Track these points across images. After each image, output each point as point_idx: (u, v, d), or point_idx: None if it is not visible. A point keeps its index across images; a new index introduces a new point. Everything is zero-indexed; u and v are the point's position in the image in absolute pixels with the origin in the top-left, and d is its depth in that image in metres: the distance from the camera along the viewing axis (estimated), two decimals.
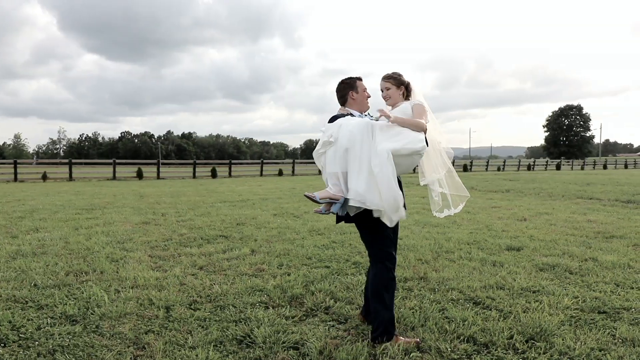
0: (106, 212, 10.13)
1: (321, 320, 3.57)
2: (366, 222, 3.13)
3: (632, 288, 4.30)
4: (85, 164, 40.36)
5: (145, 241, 6.63)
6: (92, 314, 3.64)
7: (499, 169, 44.75)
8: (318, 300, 3.97)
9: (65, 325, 3.43)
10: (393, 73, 3.42)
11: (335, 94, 3.51)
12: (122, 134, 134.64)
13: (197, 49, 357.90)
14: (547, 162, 54.11)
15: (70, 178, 25.34)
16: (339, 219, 3.30)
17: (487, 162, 48.74)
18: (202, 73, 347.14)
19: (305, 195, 3.15)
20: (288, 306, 3.85)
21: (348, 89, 3.44)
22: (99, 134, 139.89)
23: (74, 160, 27.66)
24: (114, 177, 26.54)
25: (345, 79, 3.48)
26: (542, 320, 3.43)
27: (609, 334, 3.25)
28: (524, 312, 3.67)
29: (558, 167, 48.19)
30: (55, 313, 3.68)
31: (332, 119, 3.29)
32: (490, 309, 3.75)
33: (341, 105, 3.49)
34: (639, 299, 3.95)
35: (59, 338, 3.22)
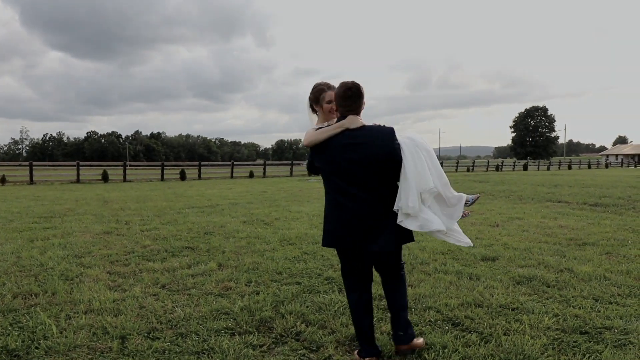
0: (66, 220, 9.62)
1: (291, 349, 3.31)
2: None
3: (611, 303, 4.19)
4: (49, 166, 38.88)
5: (105, 255, 6.24)
6: (37, 347, 3.28)
7: (468, 170, 45.37)
8: (288, 324, 3.71)
9: None
10: None
11: (356, 99, 2.95)
12: (89, 134, 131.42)
13: (167, 48, 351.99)
14: (514, 162, 55.24)
15: (31, 181, 24.33)
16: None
17: (457, 163, 49.40)
18: (172, 72, 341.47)
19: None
20: (256, 332, 3.58)
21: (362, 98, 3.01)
22: (63, 133, 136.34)
23: (35, 163, 26.55)
24: (78, 180, 25.63)
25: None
26: (524, 345, 3.26)
27: (593, 359, 3.10)
28: (505, 334, 3.50)
29: (525, 168, 49.21)
30: None
31: (392, 135, 2.94)
32: (470, 332, 3.56)
33: (356, 114, 2.97)
34: (619, 317, 3.83)
35: None
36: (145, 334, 3.54)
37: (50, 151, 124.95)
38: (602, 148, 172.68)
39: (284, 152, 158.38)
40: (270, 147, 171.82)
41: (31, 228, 8.54)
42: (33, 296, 4.45)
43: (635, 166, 67.89)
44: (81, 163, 27.76)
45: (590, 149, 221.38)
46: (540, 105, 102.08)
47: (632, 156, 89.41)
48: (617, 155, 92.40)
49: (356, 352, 3.18)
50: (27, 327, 3.66)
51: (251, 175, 31.91)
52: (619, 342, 3.36)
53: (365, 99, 3.02)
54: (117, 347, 3.31)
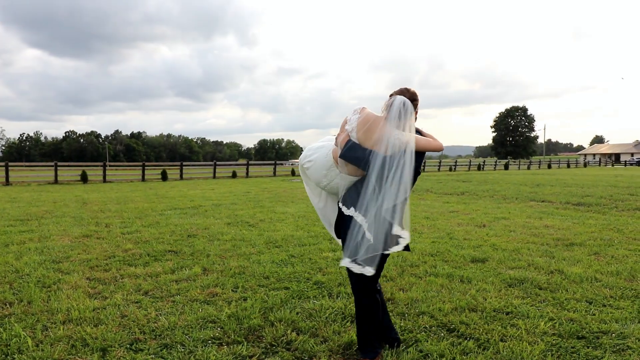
0: (43, 223, 9.30)
1: (282, 359, 3.17)
2: None
3: (605, 306, 4.14)
4: (25, 166, 37.91)
5: (85, 260, 6.00)
6: None
7: (450, 169, 45.65)
8: (278, 333, 3.57)
9: None
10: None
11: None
12: (67, 134, 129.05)
13: (147, 46, 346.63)
14: (495, 162, 55.80)
15: (7, 182, 23.65)
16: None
17: (439, 163, 49.68)
18: (153, 71, 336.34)
19: None
20: (245, 342, 3.42)
21: None
22: (41, 133, 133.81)
23: (11, 163, 25.84)
24: (56, 181, 25.02)
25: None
26: (523, 352, 3.17)
27: None
28: (502, 340, 3.41)
29: (506, 167, 49.72)
30: None
31: None
32: (467, 338, 3.46)
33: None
34: (615, 320, 3.78)
35: None
36: (128, 346, 3.35)
37: (27, 151, 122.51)
38: (580, 147, 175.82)
39: (266, 151, 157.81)
40: (253, 146, 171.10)
41: (6, 232, 8.22)
42: (7, 305, 4.22)
43: (613, 165, 69.23)
44: (59, 163, 27.03)
45: (568, 148, 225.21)
46: (520, 105, 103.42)
47: (609, 155, 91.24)
48: (594, 155, 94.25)
49: (366, 354, 3.08)
50: (0, 340, 3.44)
51: (234, 175, 31.59)
52: (618, 347, 3.29)
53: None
54: None
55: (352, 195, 2.93)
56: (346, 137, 2.93)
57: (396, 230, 2.81)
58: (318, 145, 3.23)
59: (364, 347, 3.08)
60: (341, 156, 2.91)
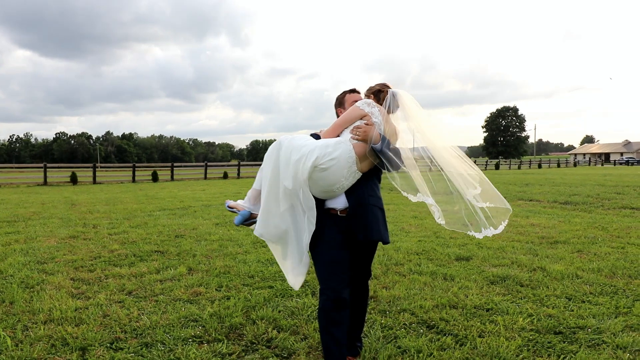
0: (30, 224, 9.25)
1: (262, 356, 3.19)
2: None
3: (584, 302, 4.20)
4: (15, 168, 37.59)
5: (70, 260, 5.98)
6: None
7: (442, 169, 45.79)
8: (259, 331, 3.59)
9: None
10: None
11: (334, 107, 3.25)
12: (57, 135, 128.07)
13: (139, 46, 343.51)
14: (487, 161, 56.08)
15: None
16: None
17: (432, 162, 49.85)
18: (145, 71, 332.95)
19: None
20: (225, 340, 3.44)
21: (336, 106, 3.18)
22: (31, 134, 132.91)
23: (0, 165, 25.62)
24: (45, 183, 24.84)
25: (339, 94, 3.18)
26: (499, 347, 3.22)
27: None
28: (480, 336, 3.45)
29: (497, 167, 50.04)
30: None
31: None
32: (445, 334, 3.50)
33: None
34: (592, 316, 3.84)
35: None
36: (108, 345, 3.36)
37: (17, 153, 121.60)
38: (570, 147, 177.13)
39: (259, 152, 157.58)
40: (245, 147, 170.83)
41: None
42: None
43: (602, 164, 69.89)
44: (48, 165, 26.91)
45: (559, 148, 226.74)
46: (511, 105, 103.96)
47: (599, 155, 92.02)
48: (584, 154, 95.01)
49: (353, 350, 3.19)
50: None
51: (225, 176, 31.53)
52: (593, 342, 3.34)
53: (345, 107, 3.10)
54: (76, 359, 3.12)
55: (412, 185, 3.00)
56: (377, 132, 2.81)
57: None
58: (336, 141, 2.83)
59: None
60: (381, 151, 2.76)
